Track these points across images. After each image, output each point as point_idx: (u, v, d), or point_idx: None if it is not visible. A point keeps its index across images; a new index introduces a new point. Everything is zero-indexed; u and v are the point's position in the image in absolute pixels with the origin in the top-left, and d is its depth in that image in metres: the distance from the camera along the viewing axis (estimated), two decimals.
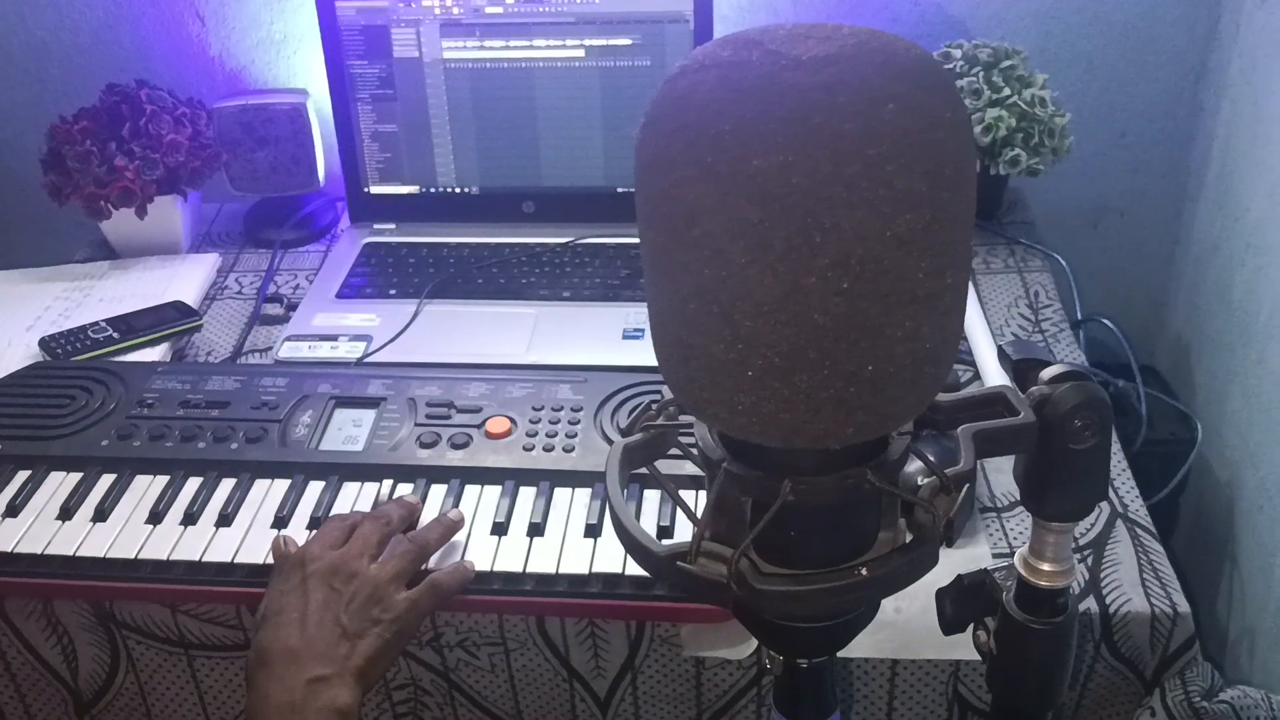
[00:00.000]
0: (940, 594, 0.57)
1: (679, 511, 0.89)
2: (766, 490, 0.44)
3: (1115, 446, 1.07)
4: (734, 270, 0.40)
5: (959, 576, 0.57)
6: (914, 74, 0.41)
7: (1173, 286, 1.60)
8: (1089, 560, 0.95)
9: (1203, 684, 0.92)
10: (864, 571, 0.44)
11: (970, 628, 0.58)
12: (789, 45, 0.40)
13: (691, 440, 0.49)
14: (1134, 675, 0.94)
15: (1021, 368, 0.53)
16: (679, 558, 0.45)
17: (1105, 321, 1.31)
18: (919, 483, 0.99)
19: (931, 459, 0.45)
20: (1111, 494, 1.02)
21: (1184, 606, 0.91)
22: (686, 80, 0.41)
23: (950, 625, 0.57)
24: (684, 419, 0.50)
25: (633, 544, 0.47)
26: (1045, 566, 0.55)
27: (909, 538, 0.47)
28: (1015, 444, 0.50)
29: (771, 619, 0.49)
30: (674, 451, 0.51)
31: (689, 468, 0.51)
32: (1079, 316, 1.32)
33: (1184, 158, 1.52)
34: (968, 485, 0.45)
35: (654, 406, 0.50)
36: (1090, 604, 0.92)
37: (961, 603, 0.57)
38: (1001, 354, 0.54)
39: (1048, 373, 0.50)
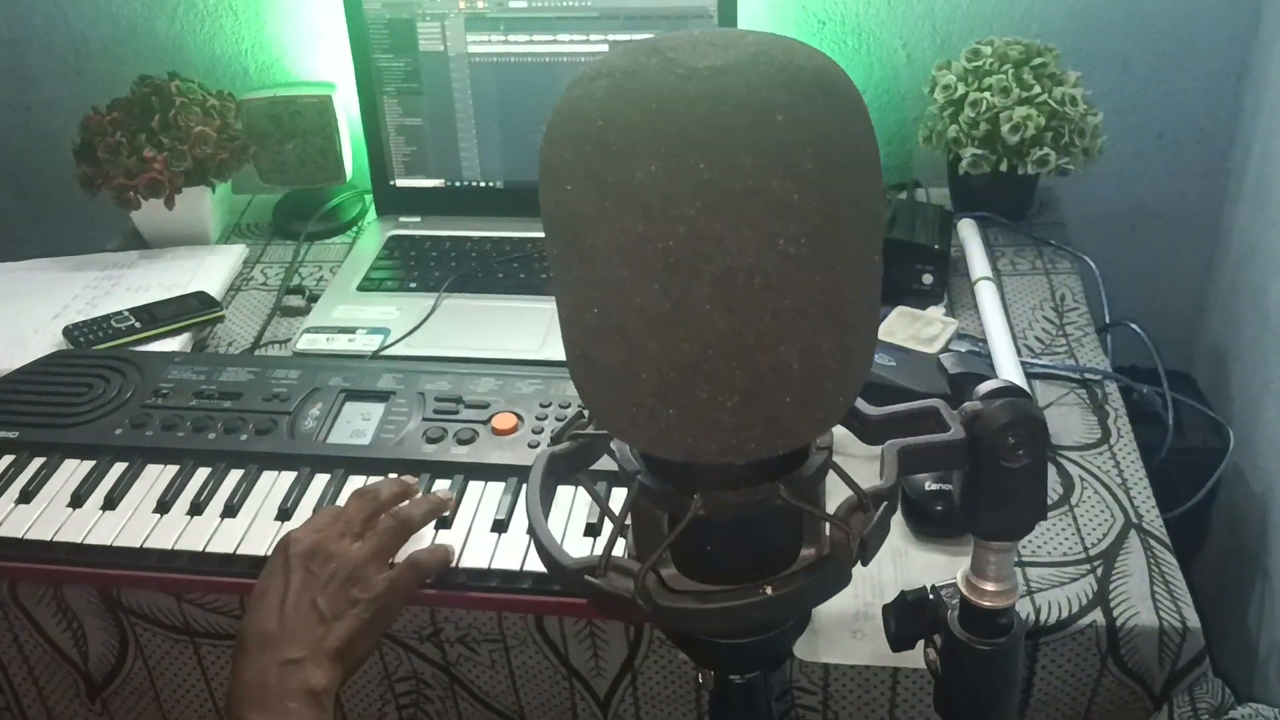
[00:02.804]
0: (885, 610, 0.56)
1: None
2: (678, 504, 0.43)
3: (1134, 455, 1.05)
4: (623, 284, 0.39)
5: (902, 592, 0.55)
6: (809, 87, 0.39)
7: (1212, 292, 1.56)
8: (1099, 571, 0.93)
9: (1212, 700, 0.90)
10: (768, 590, 0.43)
11: (921, 645, 0.57)
12: (688, 53, 0.39)
13: None
14: (1142, 690, 0.92)
15: (958, 382, 0.51)
16: (589, 571, 0.45)
17: (1133, 326, 1.28)
18: (927, 487, 0.98)
19: (850, 476, 0.44)
20: (1127, 504, 1.00)
21: (1194, 621, 0.89)
22: (581, 88, 0.40)
23: (897, 642, 0.56)
24: None
25: (545, 555, 0.46)
26: (988, 586, 0.54)
27: None
28: (944, 460, 0.49)
29: (683, 634, 0.49)
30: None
31: None
32: (1107, 320, 1.29)
33: (1224, 160, 1.48)
34: (885, 504, 0.44)
35: (585, 414, 0.49)
36: (1098, 616, 0.90)
37: (905, 619, 0.55)
38: (939, 367, 0.53)
39: (982, 388, 0.48)
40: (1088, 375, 1.14)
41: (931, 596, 0.56)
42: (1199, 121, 1.47)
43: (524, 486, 0.97)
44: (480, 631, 0.95)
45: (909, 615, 0.55)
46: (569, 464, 0.50)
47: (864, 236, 0.41)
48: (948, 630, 0.55)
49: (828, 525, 0.46)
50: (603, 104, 0.40)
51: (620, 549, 0.45)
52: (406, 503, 0.92)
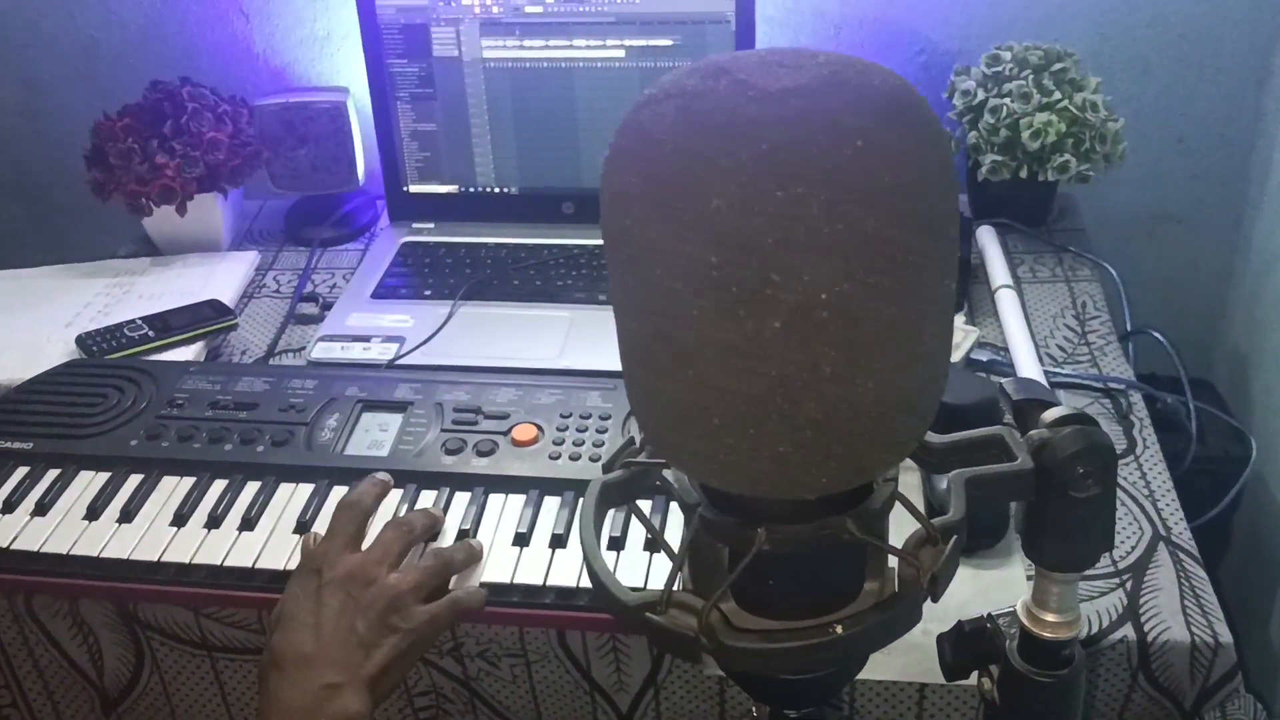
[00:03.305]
0: (940, 639, 0.54)
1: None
2: (741, 539, 0.42)
3: (1160, 466, 1.04)
4: (694, 314, 0.38)
5: (959, 622, 0.54)
6: (886, 110, 0.38)
7: (1231, 298, 1.54)
8: (1128, 585, 0.92)
9: (1244, 717, 0.88)
10: (838, 630, 0.42)
11: (976, 674, 0.55)
12: (758, 74, 0.37)
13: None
14: (1173, 705, 0.91)
15: (1022, 408, 0.50)
16: (649, 608, 0.43)
17: (1155, 334, 1.27)
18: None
19: (918, 509, 0.43)
20: (1155, 515, 0.98)
21: (1226, 636, 0.88)
22: (649, 111, 0.39)
23: (952, 671, 0.55)
24: None
25: (601, 590, 0.45)
26: (1049, 617, 0.52)
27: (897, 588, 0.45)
28: (1012, 491, 0.47)
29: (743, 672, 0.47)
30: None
31: None
32: (1128, 328, 1.28)
33: (1244, 165, 1.47)
34: (955, 537, 0.43)
35: (636, 441, 0.48)
36: (1128, 631, 0.88)
37: (961, 649, 0.54)
38: (1002, 392, 0.51)
39: (1049, 415, 0.47)
40: (1112, 385, 1.12)
41: (989, 625, 0.55)
42: (1219, 126, 1.45)
43: (545, 499, 0.97)
44: (501, 646, 0.94)
45: (965, 645, 0.54)
46: (621, 493, 0.49)
47: (940, 263, 0.40)
48: (1007, 661, 0.54)
49: (893, 558, 0.44)
50: (672, 128, 0.38)
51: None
52: (448, 546, 0.92)
